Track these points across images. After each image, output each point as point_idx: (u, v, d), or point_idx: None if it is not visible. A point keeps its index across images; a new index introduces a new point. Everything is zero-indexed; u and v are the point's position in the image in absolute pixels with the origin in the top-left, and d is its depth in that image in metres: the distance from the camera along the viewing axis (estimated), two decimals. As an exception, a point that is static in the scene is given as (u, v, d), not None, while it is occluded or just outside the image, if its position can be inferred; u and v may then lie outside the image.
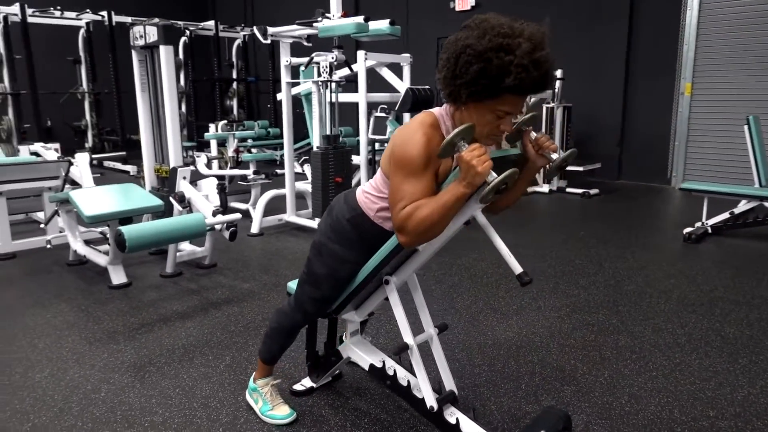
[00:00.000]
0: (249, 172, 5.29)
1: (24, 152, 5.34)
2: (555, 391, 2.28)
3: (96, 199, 3.36)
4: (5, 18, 7.44)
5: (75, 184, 4.84)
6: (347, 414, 2.13)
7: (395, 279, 1.88)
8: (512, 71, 1.43)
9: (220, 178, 5.88)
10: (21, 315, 3.12)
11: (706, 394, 2.26)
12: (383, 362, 2.01)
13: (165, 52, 3.66)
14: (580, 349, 2.64)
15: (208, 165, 5.95)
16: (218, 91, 9.92)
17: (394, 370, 1.98)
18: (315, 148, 4.39)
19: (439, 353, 1.98)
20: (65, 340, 2.78)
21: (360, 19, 3.90)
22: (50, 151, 5.27)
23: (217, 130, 6.09)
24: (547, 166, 1.70)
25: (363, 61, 5.41)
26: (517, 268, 1.62)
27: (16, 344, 2.75)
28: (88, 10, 7.89)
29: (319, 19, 4.10)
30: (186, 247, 3.92)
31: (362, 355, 2.07)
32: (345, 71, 6.01)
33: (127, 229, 2.84)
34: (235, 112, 10.82)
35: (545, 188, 6.77)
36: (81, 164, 4.64)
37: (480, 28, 1.48)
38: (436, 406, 1.84)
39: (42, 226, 4.21)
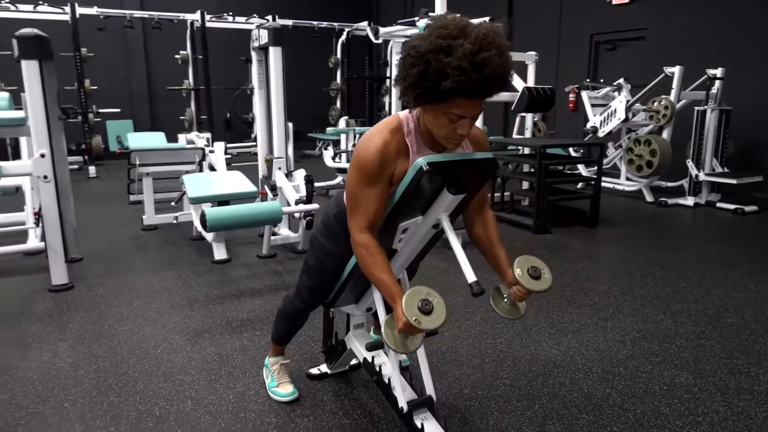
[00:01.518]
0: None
1: (182, 140, 6.19)
2: (569, 418, 2.11)
3: (202, 183, 3.82)
4: (191, 24, 8.63)
5: (214, 170, 5.49)
6: (345, 403, 2.21)
7: (381, 277, 1.91)
8: (450, 74, 1.38)
9: (341, 171, 6.23)
10: (136, 277, 3.68)
11: (752, 452, 1.92)
12: (373, 357, 2.05)
13: (274, 53, 4.00)
14: (624, 379, 2.39)
15: (335, 158, 6.33)
16: (369, 89, 10.42)
17: (380, 367, 2.00)
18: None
19: (422, 356, 1.96)
20: (155, 302, 3.24)
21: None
22: (201, 140, 6.04)
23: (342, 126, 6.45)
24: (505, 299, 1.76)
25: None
26: (470, 278, 1.56)
27: (118, 300, 3.27)
28: (255, 15, 8.81)
29: (416, 18, 4.14)
30: (283, 231, 4.27)
31: (359, 347, 2.13)
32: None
33: (209, 211, 3.21)
34: (386, 108, 11.27)
35: (690, 201, 6.02)
36: (217, 152, 5.26)
37: (429, 27, 1.46)
38: (406, 408, 1.84)
39: (172, 204, 4.87)
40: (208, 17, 8.46)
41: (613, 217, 5.56)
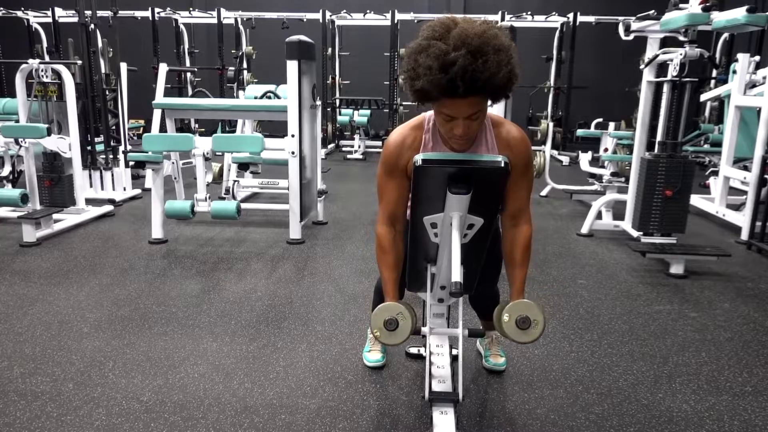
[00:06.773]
0: (606, 173, 5.12)
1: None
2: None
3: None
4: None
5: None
6: (415, 384, 2.34)
7: (432, 268, 2.00)
8: (420, 73, 1.43)
9: (593, 176, 5.86)
10: (351, 245, 4.30)
11: None
12: (430, 345, 2.13)
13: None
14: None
15: (593, 163, 5.98)
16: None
17: (431, 354, 2.08)
18: (645, 155, 4.00)
19: (460, 356, 1.96)
20: (346, 266, 3.79)
21: (696, 9, 3.27)
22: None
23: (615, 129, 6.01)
24: None
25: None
26: (455, 277, 1.56)
27: (323, 259, 3.93)
28: (554, 13, 8.73)
29: (653, 12, 3.64)
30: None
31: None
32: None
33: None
34: (707, 113, 9.82)
35: None
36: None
37: (422, 28, 1.52)
38: (427, 397, 1.91)
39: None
40: (508, 17, 8.78)
41: None
